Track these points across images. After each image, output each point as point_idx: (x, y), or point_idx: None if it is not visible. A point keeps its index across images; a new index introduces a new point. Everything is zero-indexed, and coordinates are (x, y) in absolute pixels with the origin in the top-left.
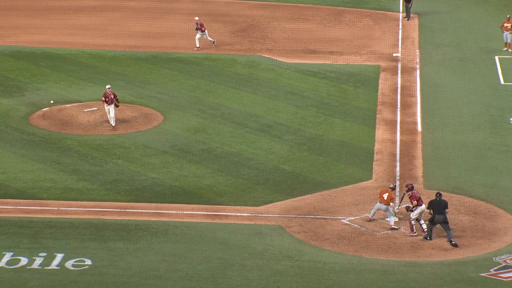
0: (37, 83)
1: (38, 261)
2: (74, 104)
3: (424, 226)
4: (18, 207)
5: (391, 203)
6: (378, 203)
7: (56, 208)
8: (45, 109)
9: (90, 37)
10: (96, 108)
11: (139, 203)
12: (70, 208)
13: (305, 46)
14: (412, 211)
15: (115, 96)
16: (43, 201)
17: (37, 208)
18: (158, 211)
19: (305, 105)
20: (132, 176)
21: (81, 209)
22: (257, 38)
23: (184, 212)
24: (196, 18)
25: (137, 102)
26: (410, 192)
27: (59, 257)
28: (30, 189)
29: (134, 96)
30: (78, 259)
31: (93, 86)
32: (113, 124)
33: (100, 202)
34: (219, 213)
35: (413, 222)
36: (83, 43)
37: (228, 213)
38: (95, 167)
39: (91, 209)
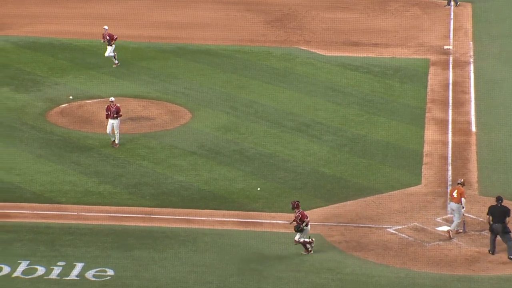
0: (55, 77)
1: (56, 270)
2: (95, 100)
3: (309, 246)
4: (34, 212)
5: (462, 199)
6: (451, 202)
7: (76, 213)
8: (64, 105)
9: (111, 27)
10: (118, 105)
11: (165, 209)
12: (90, 213)
13: (346, 37)
14: (302, 229)
15: (118, 111)
16: (61, 205)
17: (55, 213)
18: (186, 218)
19: (346, 102)
20: (157, 179)
21: (103, 214)
22: (293, 28)
23: (214, 219)
24: (105, 27)
25: (163, 98)
26: (297, 211)
27: (79, 266)
28: (47, 192)
29: (160, 91)
30: (100, 269)
31: (115, 80)
32: (117, 142)
33: (123, 207)
34: (253, 220)
35: (301, 240)
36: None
37: (263, 220)
38: (117, 168)
39: (113, 214)
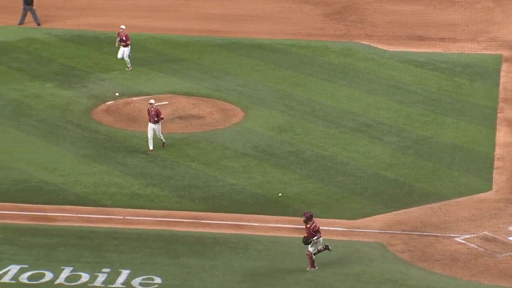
0: (100, 73)
1: (101, 278)
2: (143, 97)
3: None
4: (78, 215)
5: None
6: None
7: (121, 217)
8: (110, 102)
9: (160, 20)
10: (167, 102)
11: (216, 213)
12: (137, 218)
13: (411, 31)
14: (311, 242)
15: (158, 114)
16: (106, 208)
17: (100, 216)
18: (237, 223)
19: (410, 101)
20: (208, 182)
21: (150, 218)
22: (354, 21)
23: (268, 225)
24: (122, 27)
25: (214, 95)
26: (310, 223)
27: (124, 273)
28: (92, 194)
29: (211, 88)
30: (146, 276)
31: (164, 76)
32: (163, 140)
33: (171, 211)
34: None
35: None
36: (152, 27)
37: (320, 227)
38: (165, 170)
39: (161, 218)
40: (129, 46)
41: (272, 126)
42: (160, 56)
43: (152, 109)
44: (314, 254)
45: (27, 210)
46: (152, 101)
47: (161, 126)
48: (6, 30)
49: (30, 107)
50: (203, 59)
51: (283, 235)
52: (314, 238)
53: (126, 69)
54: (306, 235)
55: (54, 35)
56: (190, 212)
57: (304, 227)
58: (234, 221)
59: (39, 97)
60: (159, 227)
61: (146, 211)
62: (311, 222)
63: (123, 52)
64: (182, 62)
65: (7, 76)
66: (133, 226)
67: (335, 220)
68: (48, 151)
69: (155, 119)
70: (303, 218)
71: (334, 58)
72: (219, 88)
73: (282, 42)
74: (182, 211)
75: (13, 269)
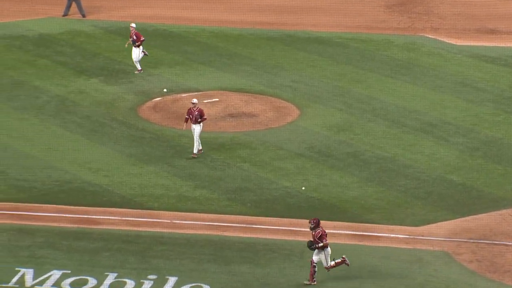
0: (148, 67)
1: (147, 285)
2: (192, 94)
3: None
4: (123, 218)
5: None
6: None
7: (169, 221)
8: (157, 99)
9: (211, 12)
10: (217, 99)
11: (269, 218)
12: (185, 222)
13: (481, 24)
14: (316, 248)
15: (202, 114)
16: (153, 211)
17: (146, 220)
18: (292, 229)
19: (479, 99)
20: (260, 184)
21: (198, 222)
22: (419, 13)
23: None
24: (133, 25)
25: (268, 92)
26: (318, 230)
27: (171, 281)
28: (138, 196)
29: (264, 85)
30: (195, 284)
31: (214, 71)
32: (198, 149)
33: (221, 215)
34: (368, 233)
35: (331, 263)
36: (203, 19)
37: (380, 234)
38: (215, 171)
39: (210, 223)
40: (141, 47)
41: (329, 125)
42: (210, 50)
43: (194, 109)
44: (329, 268)
45: (70, 212)
46: (195, 100)
47: (210, 125)
48: (49, 22)
49: (74, 104)
50: (256, 53)
51: (341, 242)
52: (319, 245)
53: (136, 71)
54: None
55: (99, 27)
56: (241, 216)
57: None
58: (288, 227)
59: (83, 93)
60: (208, 232)
61: (195, 214)
62: (318, 229)
63: (136, 53)
64: (234, 57)
65: (50, 71)
66: (181, 231)
67: (396, 226)
68: (92, 150)
69: (198, 120)
70: (310, 225)
71: (397, 52)
72: (273, 84)
73: (341, 36)
74: (233, 215)
75: (55, 274)
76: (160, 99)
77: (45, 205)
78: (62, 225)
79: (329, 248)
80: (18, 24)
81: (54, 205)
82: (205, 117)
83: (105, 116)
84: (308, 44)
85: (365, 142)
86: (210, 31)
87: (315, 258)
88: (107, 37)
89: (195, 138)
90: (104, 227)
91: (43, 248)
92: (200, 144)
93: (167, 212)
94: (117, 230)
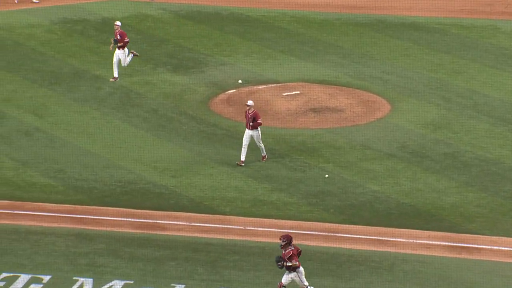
0: (221, 56)
1: None
2: (270, 85)
3: None
4: (192, 224)
5: None
6: None
7: (242, 228)
8: (231, 91)
9: None
10: (298, 92)
11: (354, 226)
12: (260, 228)
13: None
14: (283, 266)
15: (255, 119)
16: (225, 216)
17: (217, 226)
18: (380, 238)
19: None
20: (345, 188)
21: (275, 230)
22: None
23: (417, 241)
24: (118, 23)
25: (355, 84)
26: (289, 249)
27: None
28: (208, 199)
29: (351, 76)
30: None
31: (295, 61)
32: (262, 156)
33: (300, 222)
34: (468, 245)
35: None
36: (283, 2)
37: (481, 246)
38: (295, 173)
39: (288, 230)
40: (126, 49)
41: (424, 122)
42: (291, 36)
43: (249, 112)
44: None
45: (133, 216)
46: (250, 102)
47: (290, 121)
48: (114, 5)
49: (139, 96)
50: (342, 40)
51: (436, 255)
52: (287, 264)
53: (111, 79)
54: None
55: (168, 11)
56: (323, 223)
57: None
58: (376, 236)
59: (149, 84)
60: None
61: (271, 220)
62: (289, 248)
63: (118, 56)
64: (318, 44)
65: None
66: (256, 238)
67: (500, 238)
68: (159, 147)
69: (251, 124)
70: (280, 243)
71: (503, 40)
72: (362, 76)
73: (440, 21)
74: (314, 222)
75: (116, 285)
76: (235, 91)
77: (106, 208)
78: (124, 230)
79: (301, 268)
80: (79, 7)
81: (116, 208)
82: (259, 121)
83: (173, 110)
84: (401, 30)
85: (465, 141)
86: (292, 16)
87: (284, 279)
88: (176, 22)
89: (243, 143)
90: (171, 233)
91: (104, 256)
92: (264, 150)
93: (240, 218)
94: (185, 237)
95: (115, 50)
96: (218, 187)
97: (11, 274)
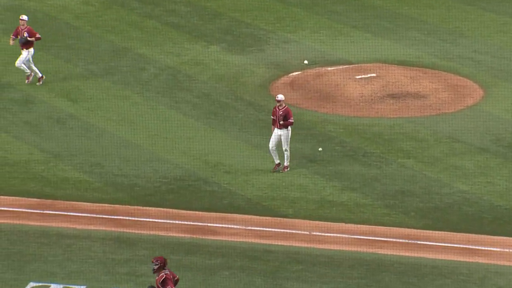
0: (284, 32)
1: None
2: (341, 67)
3: None
4: (248, 228)
5: None
6: None
7: (307, 233)
8: (295, 73)
9: None
10: (374, 75)
11: (439, 232)
12: (328, 234)
13: None
14: None
15: (287, 116)
16: (286, 219)
17: (278, 230)
18: (469, 247)
19: None
20: (428, 187)
21: (346, 236)
22: None
23: None
24: (24, 17)
25: (441, 66)
26: (162, 273)
27: None
28: (267, 199)
29: (437, 56)
30: None
31: (371, 38)
32: (286, 164)
33: (375, 227)
34: None
35: None
36: None
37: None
38: (369, 169)
39: (361, 236)
40: (32, 49)
41: None
42: (366, 9)
43: (279, 108)
44: None
45: (180, 218)
46: (280, 96)
47: (364, 108)
48: None
49: (189, 78)
50: (427, 14)
51: None
52: None
53: (26, 81)
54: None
55: None
56: (403, 228)
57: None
58: (465, 244)
59: (201, 65)
60: (358, 248)
61: (341, 225)
62: (162, 272)
63: (23, 57)
64: (398, 19)
65: (160, 35)
66: (323, 246)
67: None
68: (211, 138)
69: (281, 122)
70: (152, 266)
71: None
72: (449, 56)
73: None
74: (391, 227)
75: None
76: (300, 74)
77: (149, 208)
78: (170, 234)
79: None
80: None
81: (161, 209)
82: (291, 120)
83: (227, 95)
84: (497, 2)
85: None
86: None
87: None
88: None
89: (270, 146)
90: (224, 238)
91: (146, 264)
92: (288, 158)
93: (305, 221)
94: (240, 243)
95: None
96: (279, 185)
97: (40, 284)
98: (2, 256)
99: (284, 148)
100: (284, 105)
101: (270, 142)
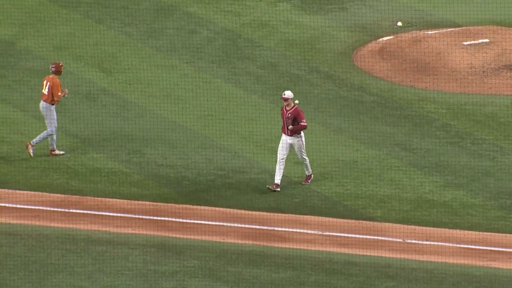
0: None
1: None
2: (444, 30)
3: None
4: (326, 233)
5: None
6: None
7: (400, 240)
8: (386, 38)
9: None
10: (486, 40)
11: None
12: (425, 242)
13: None
14: None
15: (298, 118)
16: (374, 223)
17: (363, 237)
18: None
19: None
20: None
21: (449, 244)
22: None
23: None
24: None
25: None
26: None
27: None
28: (350, 198)
29: None
30: None
31: None
32: (307, 176)
33: (488, 233)
34: None
35: None
36: None
37: None
38: (480, 160)
39: (468, 245)
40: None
41: None
42: None
43: (286, 108)
44: None
45: (240, 220)
46: (288, 93)
47: (472, 83)
48: None
49: (251, 44)
50: None
51: None
52: None
53: None
54: None
55: None
56: None
57: None
58: None
59: (266, 27)
60: (466, 261)
61: (444, 231)
62: None
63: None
64: None
65: None
66: (420, 257)
67: None
68: (278, 120)
69: (289, 127)
70: None
71: None
72: None
73: None
74: (508, 234)
75: None
76: (391, 39)
77: (201, 207)
78: (227, 240)
79: None
80: None
81: (215, 208)
82: (303, 123)
83: (300, 65)
84: None
85: None
86: None
87: None
88: None
89: (279, 157)
90: (295, 246)
91: (197, 277)
92: (309, 167)
93: (397, 225)
94: (316, 252)
95: None
96: (365, 180)
97: None
98: (18, 266)
99: (301, 158)
100: (293, 104)
101: (278, 152)
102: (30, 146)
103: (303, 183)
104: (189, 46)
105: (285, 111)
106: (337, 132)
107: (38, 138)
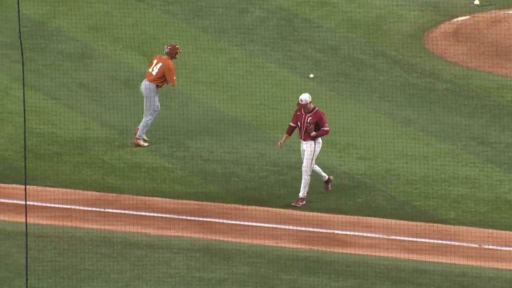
0: None
1: None
2: None
3: None
4: (391, 237)
5: None
6: None
7: (477, 246)
8: (462, 18)
9: None
10: (319, 110)
11: None
12: (506, 248)
13: None
14: None
15: (319, 124)
16: (447, 226)
17: (434, 241)
18: None
19: None
20: None
21: None
22: None
23: None
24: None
25: None
26: None
27: None
28: (419, 197)
29: None
30: None
31: None
32: (326, 182)
33: None
34: None
35: None
36: None
37: None
38: None
39: None
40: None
41: None
42: None
43: (306, 112)
44: None
45: (295, 222)
46: (305, 97)
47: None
48: None
49: (309, 24)
50: None
51: None
52: None
53: None
54: None
55: None
56: None
57: None
58: None
59: (326, 5)
60: None
61: None
62: None
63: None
64: None
65: None
66: (499, 265)
67: None
68: (339, 109)
69: (312, 134)
70: None
71: None
72: None
73: None
74: None
75: None
76: (467, 19)
77: (252, 207)
78: (281, 244)
79: None
80: None
81: (268, 208)
82: (325, 127)
83: (364, 49)
84: None
85: None
86: None
87: None
88: None
89: (304, 167)
90: (357, 251)
91: (247, 285)
92: (306, 186)
93: (473, 229)
94: (380, 259)
95: None
96: (436, 177)
97: None
98: (48, 272)
99: (303, 168)
100: (312, 107)
101: (302, 162)
102: (138, 141)
103: (293, 204)
104: (239, 26)
105: (304, 116)
106: (405, 124)
107: (140, 131)
